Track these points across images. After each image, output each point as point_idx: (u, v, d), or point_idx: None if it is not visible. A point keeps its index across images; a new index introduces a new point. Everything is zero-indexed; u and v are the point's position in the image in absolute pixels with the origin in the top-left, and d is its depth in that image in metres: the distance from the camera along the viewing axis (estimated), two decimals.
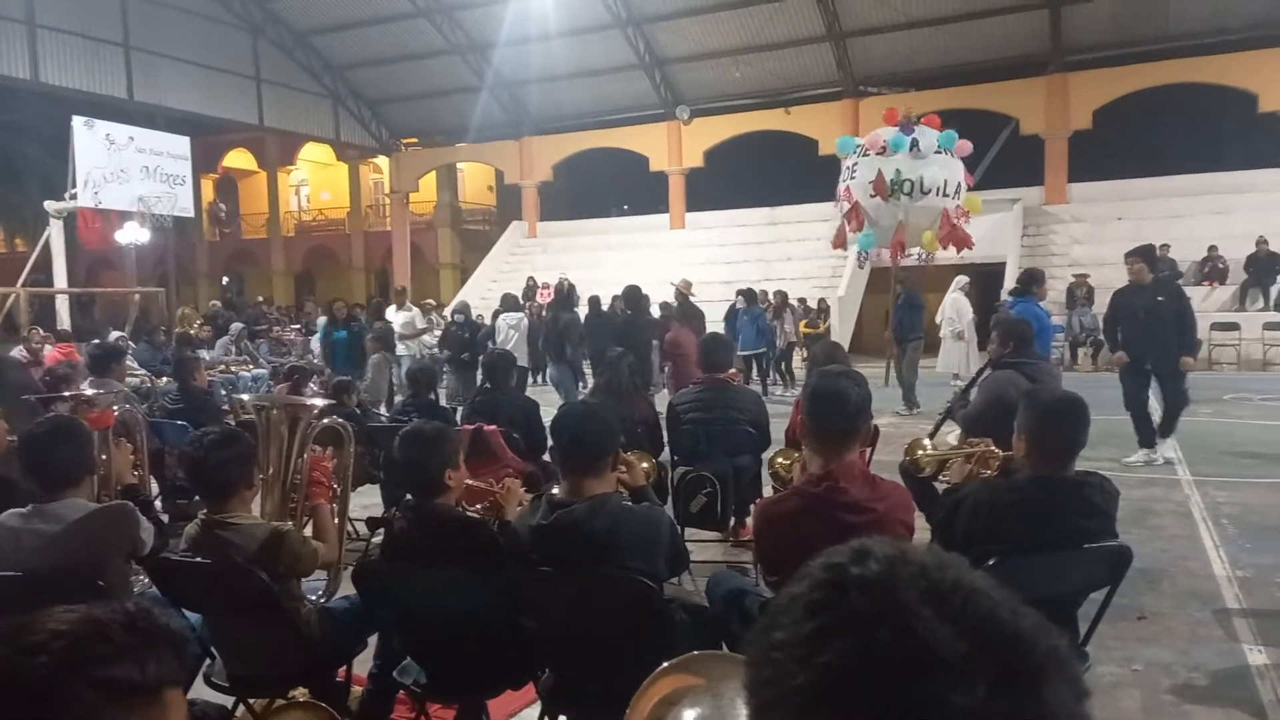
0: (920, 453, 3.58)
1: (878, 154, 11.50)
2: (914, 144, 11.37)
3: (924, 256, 11.83)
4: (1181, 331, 7.59)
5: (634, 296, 10.57)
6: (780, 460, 4.05)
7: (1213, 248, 17.11)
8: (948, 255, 17.54)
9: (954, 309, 13.87)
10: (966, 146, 11.56)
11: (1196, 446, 8.36)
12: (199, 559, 2.75)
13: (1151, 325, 7.61)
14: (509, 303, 12.95)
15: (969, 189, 11.79)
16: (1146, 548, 5.61)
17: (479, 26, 22.72)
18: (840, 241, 12.60)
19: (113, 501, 2.99)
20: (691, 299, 12.80)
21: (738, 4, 20.76)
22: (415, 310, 13.06)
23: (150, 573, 2.92)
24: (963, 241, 11.58)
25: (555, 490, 2.79)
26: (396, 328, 12.18)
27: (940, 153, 11.38)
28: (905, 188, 11.23)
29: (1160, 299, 7.76)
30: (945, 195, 11.35)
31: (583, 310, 12.57)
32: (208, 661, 3.05)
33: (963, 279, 14.37)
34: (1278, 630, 4.29)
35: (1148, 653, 4.08)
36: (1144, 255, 8.00)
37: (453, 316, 12.90)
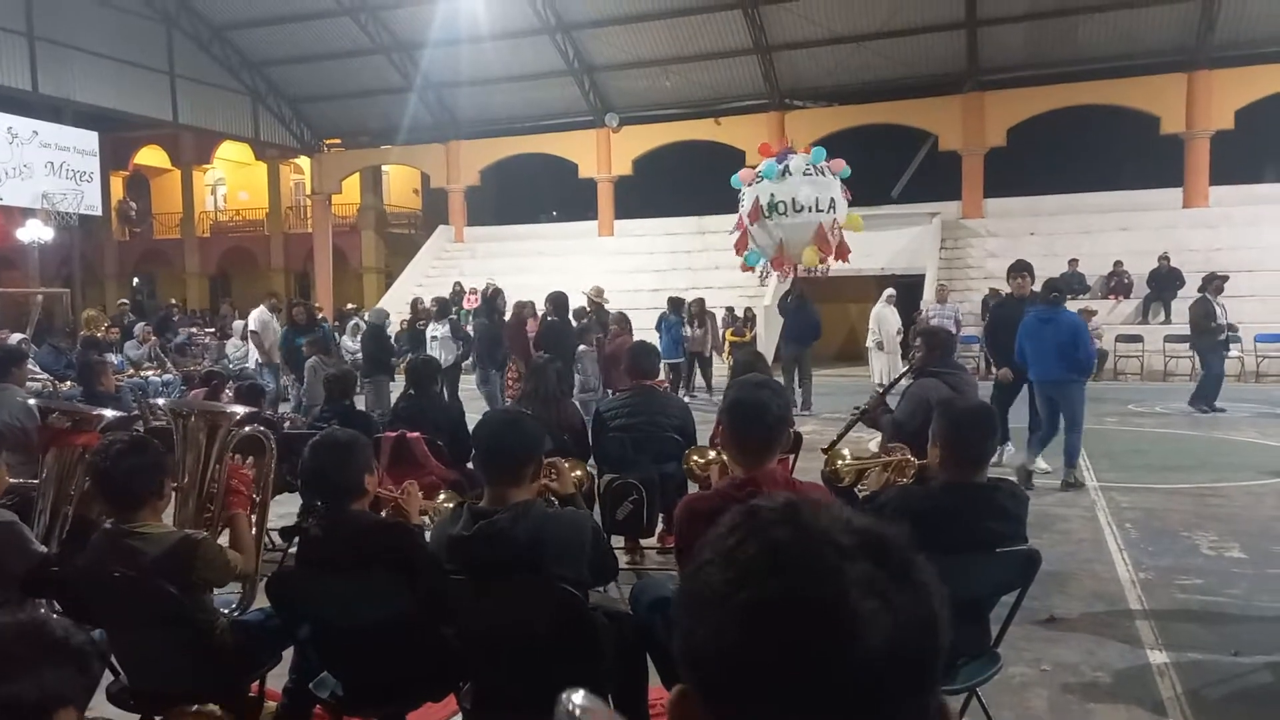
0: (840, 463, 3.65)
1: (755, 183, 12.30)
2: (784, 170, 11.97)
3: (817, 269, 12.45)
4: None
5: (559, 302, 10.53)
6: (695, 458, 4.07)
7: (1118, 263, 17.87)
8: (869, 266, 18.06)
9: (875, 320, 14.25)
10: (840, 164, 12.14)
11: (1102, 453, 8.73)
12: (104, 569, 2.63)
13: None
14: (443, 309, 12.89)
15: (850, 202, 12.43)
16: (1055, 551, 5.81)
17: (405, 27, 22.40)
18: (747, 267, 13.42)
19: None
20: (605, 305, 12.97)
21: (666, 14, 20.92)
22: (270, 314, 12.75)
23: (45, 585, 2.78)
24: (841, 253, 12.16)
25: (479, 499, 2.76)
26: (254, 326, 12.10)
27: (810, 172, 11.97)
28: (780, 209, 11.89)
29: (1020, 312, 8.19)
30: (820, 211, 11.87)
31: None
32: (110, 677, 2.92)
33: (890, 291, 14.77)
34: (1176, 631, 4.48)
35: (1055, 653, 4.22)
36: (1028, 270, 8.34)
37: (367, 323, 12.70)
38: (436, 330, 12.21)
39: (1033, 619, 4.54)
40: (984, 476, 2.91)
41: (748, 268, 13.40)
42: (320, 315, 13.85)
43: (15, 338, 12.66)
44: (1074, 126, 21.51)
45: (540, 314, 10.96)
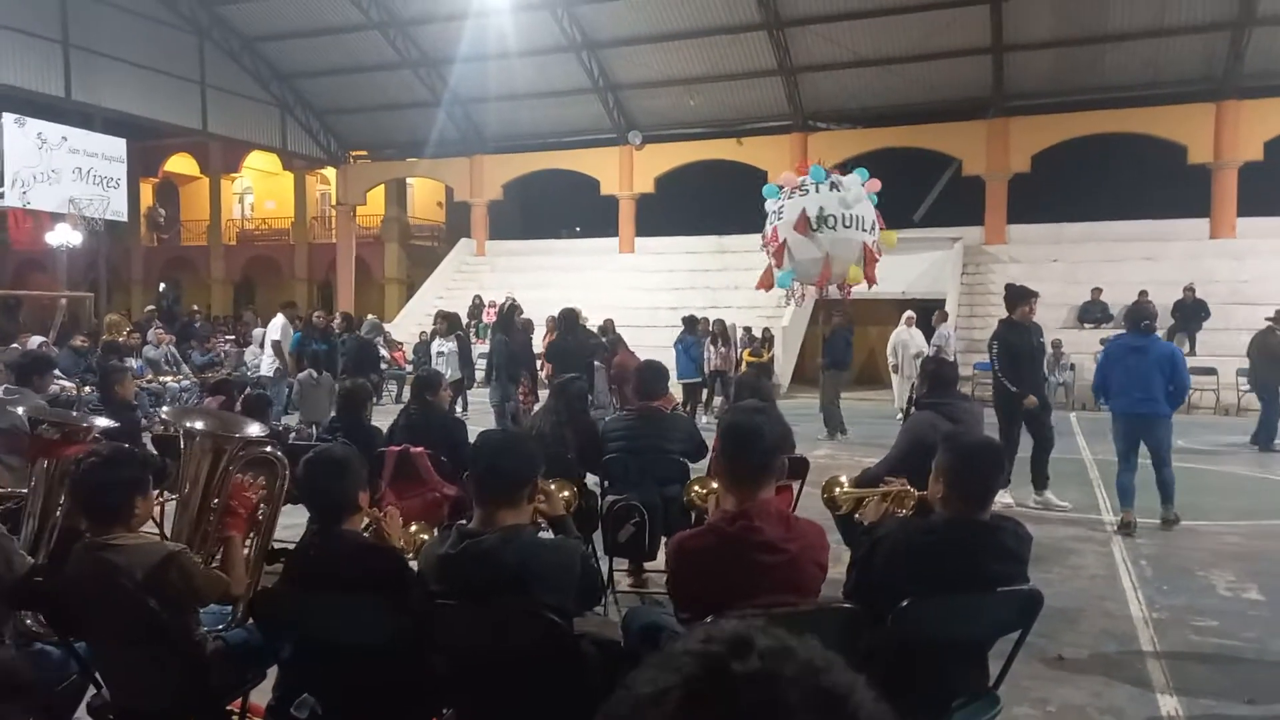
0: (837, 490, 3.58)
1: (800, 194, 11.72)
2: (833, 184, 11.68)
3: (844, 289, 12.11)
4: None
5: (569, 318, 10.43)
6: (696, 489, 4.00)
7: (1143, 292, 17.62)
8: (890, 290, 17.93)
9: (894, 343, 14.10)
10: (876, 184, 11.83)
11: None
12: (83, 581, 2.60)
13: (1037, 364, 8.01)
14: (453, 323, 12.87)
15: (883, 227, 12.13)
16: (1067, 586, 5.70)
17: (433, 42, 22.60)
18: (766, 283, 12.74)
19: None
20: (584, 323, 12.87)
21: (692, 34, 20.98)
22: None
23: (30, 597, 2.76)
24: (871, 277, 11.90)
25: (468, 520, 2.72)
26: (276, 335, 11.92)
27: (858, 191, 11.72)
28: (829, 222, 11.47)
29: (1039, 340, 8.11)
30: (864, 230, 11.62)
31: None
32: (91, 691, 2.90)
33: (909, 314, 14.63)
34: (1188, 674, 4.36)
35: (1062, 694, 4.11)
36: (1035, 296, 8.17)
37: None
38: (443, 346, 12.22)
39: (1040, 657, 4.44)
40: (987, 514, 2.84)
41: (763, 286, 12.83)
42: (339, 331, 13.75)
43: (35, 341, 12.78)
44: (1099, 154, 21.33)
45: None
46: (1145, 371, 7.01)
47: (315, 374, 10.07)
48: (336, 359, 10.78)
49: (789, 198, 11.81)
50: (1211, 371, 15.18)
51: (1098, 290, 18.03)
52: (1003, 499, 7.51)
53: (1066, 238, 20.54)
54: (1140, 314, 7.58)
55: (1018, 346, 7.83)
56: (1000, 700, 2.96)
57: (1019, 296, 8.02)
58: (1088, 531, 7.10)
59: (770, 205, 12.16)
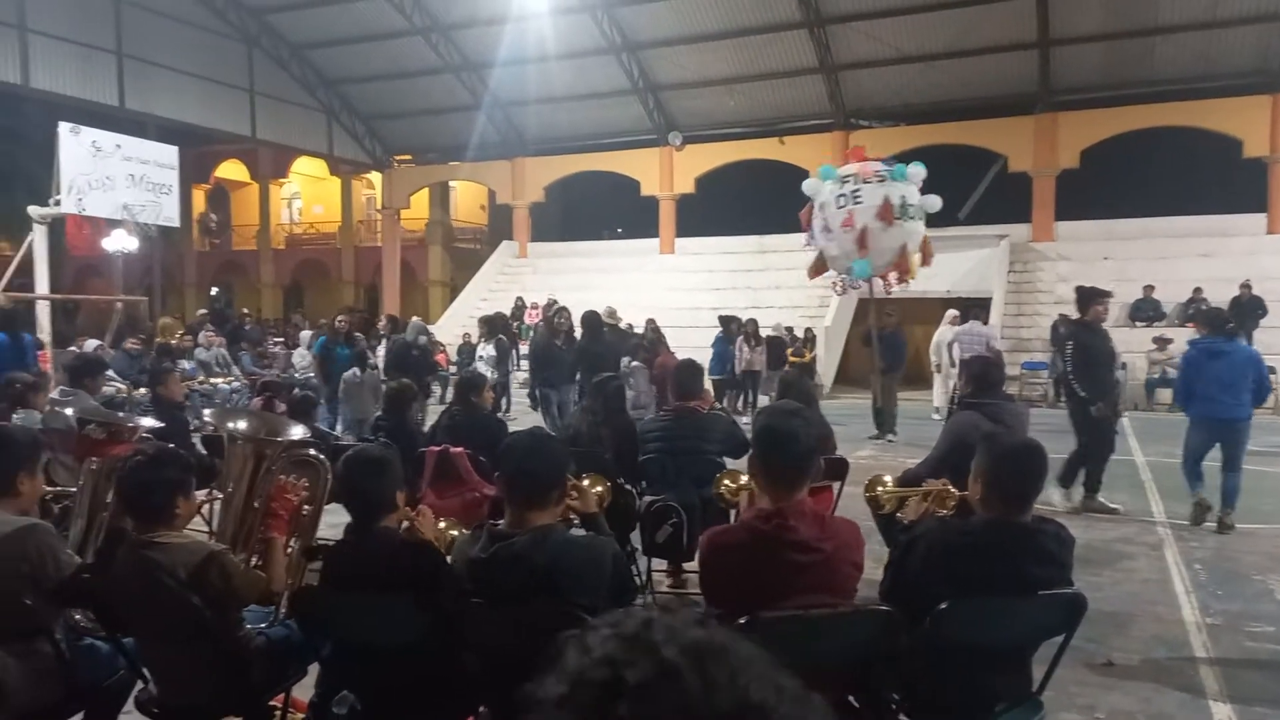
0: (880, 489, 3.54)
1: (878, 181, 11.19)
2: (908, 175, 11.33)
3: (887, 286, 11.72)
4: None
5: (592, 323, 10.31)
6: (727, 483, 3.96)
7: (1198, 289, 17.20)
8: (934, 289, 17.68)
9: (937, 343, 13.90)
10: (920, 172, 11.43)
11: (1173, 488, 8.32)
12: (128, 579, 2.66)
13: (1111, 368, 7.73)
14: (500, 326, 13.01)
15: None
16: (1117, 590, 5.57)
17: (475, 47, 22.81)
18: (819, 271, 12.31)
19: (29, 520, 2.90)
20: (619, 323, 12.82)
21: (731, 33, 20.90)
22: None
23: (78, 595, 2.83)
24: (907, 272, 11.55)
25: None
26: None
27: (919, 182, 11.39)
28: (910, 212, 11.11)
29: (1110, 343, 7.77)
30: (921, 222, 11.38)
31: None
32: (139, 685, 2.96)
33: (952, 313, 14.40)
34: (1242, 681, 4.24)
35: (1111, 700, 4.02)
36: (1109, 296, 7.97)
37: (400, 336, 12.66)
38: (484, 351, 12.38)
39: (1088, 662, 4.34)
40: (1027, 516, 2.78)
41: (815, 272, 12.19)
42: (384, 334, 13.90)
43: (92, 344, 13.12)
44: (1151, 148, 20.82)
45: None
46: (1231, 376, 6.84)
47: (359, 372, 10.22)
48: (365, 362, 10.73)
49: (864, 183, 11.17)
50: (1270, 371, 14.73)
51: (1149, 288, 17.63)
52: (1060, 501, 7.40)
53: (1118, 234, 20.09)
54: (1221, 317, 7.28)
55: (1094, 349, 7.56)
56: (1043, 706, 2.90)
57: (1091, 297, 7.71)
58: (1139, 534, 6.93)
59: (828, 189, 11.49)
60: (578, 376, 10.06)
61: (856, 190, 11.15)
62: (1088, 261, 19.30)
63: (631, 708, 0.63)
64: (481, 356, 12.33)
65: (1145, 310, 17.63)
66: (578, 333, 10.74)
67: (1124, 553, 6.41)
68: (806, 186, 11.95)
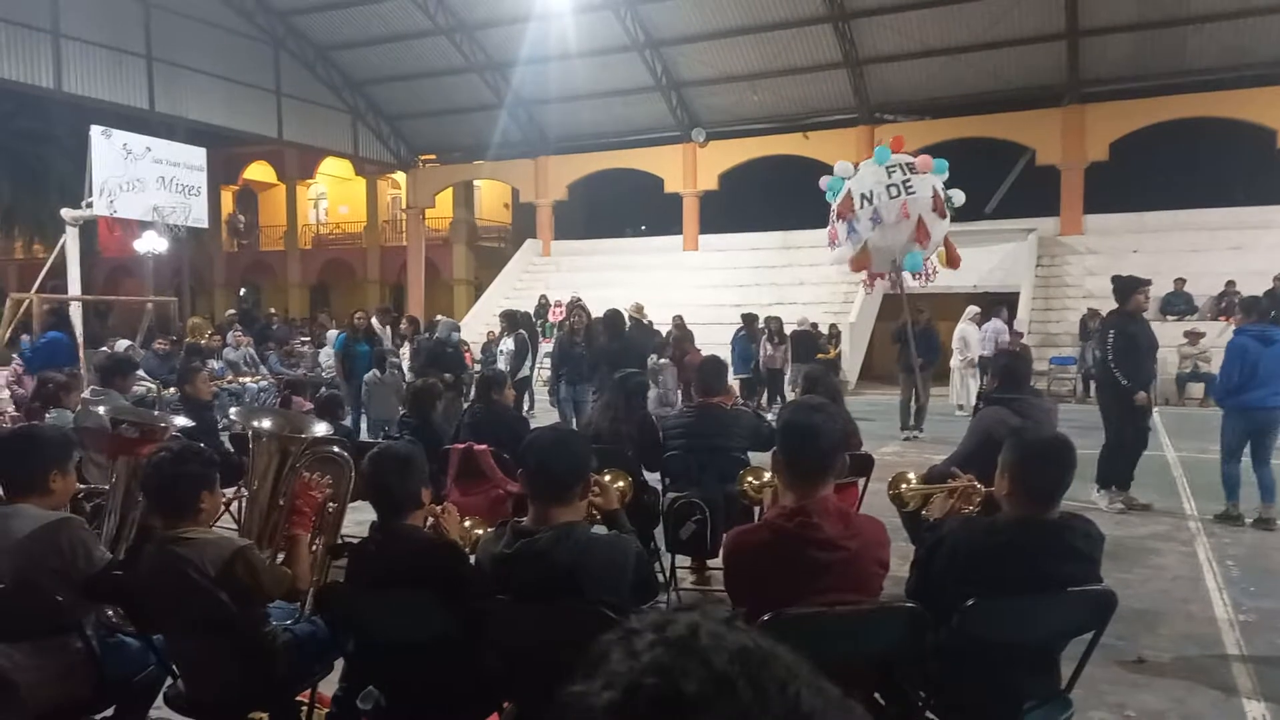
0: (904, 486, 3.51)
1: (928, 173, 10.97)
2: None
3: (922, 281, 11.52)
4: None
5: (613, 322, 10.27)
6: (750, 480, 3.94)
7: (1230, 283, 16.92)
8: (961, 284, 17.48)
9: (960, 339, 13.76)
10: (929, 163, 11.21)
11: (1205, 485, 8.19)
12: (156, 574, 2.70)
13: (1153, 358, 7.60)
14: (521, 321, 13.03)
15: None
16: (1148, 588, 5.50)
17: (498, 45, 22.88)
18: (861, 265, 11.91)
19: (60, 514, 2.94)
20: (644, 320, 12.75)
21: (755, 29, 20.82)
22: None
23: (109, 591, 2.87)
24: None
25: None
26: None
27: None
28: (950, 204, 11.02)
29: (1152, 332, 7.69)
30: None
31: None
32: (169, 681, 3.00)
33: (973, 309, 14.26)
34: (1277, 680, 4.16)
35: (1141, 699, 3.96)
36: (1149, 285, 7.81)
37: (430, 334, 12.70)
38: (504, 346, 12.44)
39: (1119, 660, 4.29)
40: (1055, 513, 2.74)
41: (858, 265, 11.56)
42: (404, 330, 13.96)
43: (122, 344, 13.30)
44: (1182, 140, 20.51)
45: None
46: (1276, 365, 6.74)
47: (379, 373, 10.28)
48: (385, 363, 10.74)
49: (915, 173, 10.89)
50: None
51: (1180, 281, 17.38)
52: (1105, 505, 7.29)
53: (1148, 227, 19.81)
54: (1265, 304, 7.16)
55: (1137, 338, 7.44)
56: (1073, 704, 2.87)
57: (1130, 286, 7.58)
58: (1170, 530, 6.83)
59: (870, 178, 11.10)
60: (597, 374, 10.07)
61: (908, 180, 10.85)
62: (1117, 255, 19.03)
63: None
64: (501, 351, 12.37)
65: (1176, 304, 17.38)
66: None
67: (1155, 549, 6.33)
68: (839, 169, 11.63)
